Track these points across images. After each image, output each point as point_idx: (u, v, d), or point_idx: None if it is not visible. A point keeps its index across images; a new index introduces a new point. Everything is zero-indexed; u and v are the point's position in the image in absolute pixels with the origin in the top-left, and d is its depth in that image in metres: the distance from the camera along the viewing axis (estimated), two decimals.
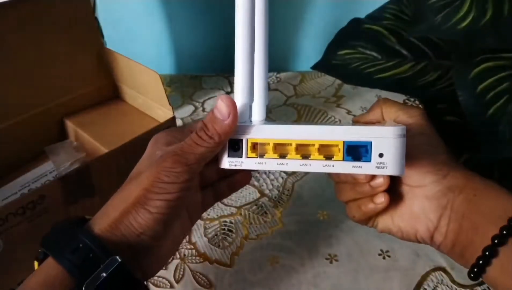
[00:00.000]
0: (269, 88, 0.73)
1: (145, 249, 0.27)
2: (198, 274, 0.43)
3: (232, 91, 0.72)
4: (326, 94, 0.71)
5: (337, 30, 0.64)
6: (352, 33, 0.63)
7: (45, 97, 0.51)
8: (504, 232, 0.27)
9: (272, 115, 0.66)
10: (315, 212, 0.49)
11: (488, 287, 0.40)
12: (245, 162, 0.27)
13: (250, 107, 0.28)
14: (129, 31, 0.79)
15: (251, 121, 0.29)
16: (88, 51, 0.53)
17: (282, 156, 0.26)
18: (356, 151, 0.25)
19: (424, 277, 0.41)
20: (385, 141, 0.25)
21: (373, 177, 0.29)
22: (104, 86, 0.56)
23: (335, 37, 0.64)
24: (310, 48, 0.81)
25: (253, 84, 0.28)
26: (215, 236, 0.47)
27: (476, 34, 0.48)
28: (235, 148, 0.27)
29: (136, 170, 0.29)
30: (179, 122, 0.64)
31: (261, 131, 0.26)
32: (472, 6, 0.48)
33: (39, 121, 0.51)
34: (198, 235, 0.47)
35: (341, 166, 0.25)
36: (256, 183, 0.53)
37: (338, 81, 0.74)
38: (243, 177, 0.34)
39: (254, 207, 0.50)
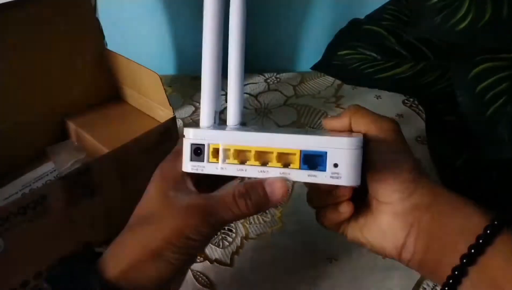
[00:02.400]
0: (269, 88, 0.73)
1: None
2: (199, 273, 0.43)
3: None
4: (326, 94, 0.71)
5: (337, 30, 0.64)
6: (351, 34, 0.63)
7: (46, 98, 0.51)
8: (472, 251, 0.26)
9: (272, 115, 0.66)
10: (315, 212, 0.49)
11: None
12: (206, 166, 0.27)
13: (216, 112, 0.29)
14: (130, 32, 0.79)
15: (217, 126, 0.29)
16: (89, 52, 0.53)
17: (242, 162, 0.27)
18: (312, 160, 0.26)
19: (423, 277, 0.42)
20: (340, 152, 0.25)
21: (337, 186, 0.29)
22: (105, 87, 0.56)
23: (335, 37, 0.64)
24: (309, 48, 0.81)
25: (219, 90, 0.29)
26: (215, 236, 0.47)
27: (475, 34, 0.48)
28: (197, 152, 0.27)
29: (148, 209, 0.28)
30: (179, 123, 0.64)
31: (223, 137, 0.27)
32: (471, 7, 0.49)
33: (40, 121, 0.51)
34: None
35: (297, 174, 0.26)
36: None
37: (337, 82, 0.74)
38: None
39: None
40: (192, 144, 0.27)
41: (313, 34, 0.80)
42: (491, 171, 0.49)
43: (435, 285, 0.41)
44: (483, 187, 0.50)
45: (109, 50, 0.54)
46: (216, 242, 0.46)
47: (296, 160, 0.26)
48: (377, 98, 0.69)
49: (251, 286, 0.41)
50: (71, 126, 0.52)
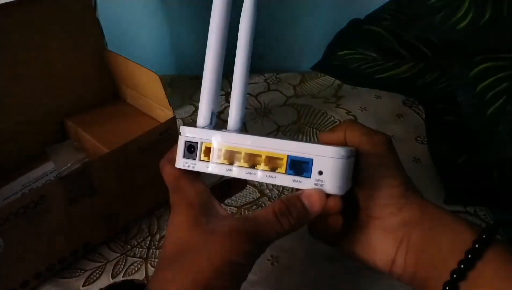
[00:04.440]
0: (269, 88, 0.73)
1: None
2: None
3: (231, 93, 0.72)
4: (326, 94, 0.71)
5: (337, 30, 0.64)
6: (351, 34, 0.63)
7: (46, 98, 0.51)
8: (462, 266, 0.26)
9: (272, 115, 0.66)
10: None
11: None
12: (197, 164, 0.28)
13: (213, 113, 0.29)
14: (130, 32, 0.79)
15: (212, 126, 0.30)
16: (89, 52, 0.53)
17: (232, 163, 0.27)
18: (298, 166, 0.26)
19: None
20: (326, 160, 0.26)
21: (328, 197, 0.29)
22: (105, 87, 0.56)
23: (335, 37, 0.64)
24: (310, 48, 0.81)
25: (218, 91, 0.29)
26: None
27: (475, 34, 0.48)
28: (190, 150, 0.28)
29: (183, 240, 0.26)
30: (179, 123, 0.64)
31: (216, 137, 0.28)
32: (471, 6, 0.49)
33: (40, 121, 0.51)
34: None
35: (283, 179, 0.26)
36: (256, 183, 0.53)
37: (337, 82, 0.74)
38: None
39: (254, 207, 0.50)
40: (186, 142, 0.28)
41: (313, 34, 0.80)
42: (491, 170, 0.49)
43: None
44: (483, 187, 0.50)
45: (109, 50, 0.54)
46: None
47: (283, 164, 0.26)
48: (377, 98, 0.69)
49: (251, 286, 0.41)
50: (71, 126, 0.52)
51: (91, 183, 0.41)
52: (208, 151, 0.28)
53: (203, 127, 0.29)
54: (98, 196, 0.42)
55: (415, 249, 0.29)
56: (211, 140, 0.28)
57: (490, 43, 0.48)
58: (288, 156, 0.26)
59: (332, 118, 0.65)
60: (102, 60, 0.54)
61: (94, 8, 0.55)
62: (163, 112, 0.49)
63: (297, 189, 0.27)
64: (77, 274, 0.43)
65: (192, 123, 0.64)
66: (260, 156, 0.27)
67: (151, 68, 0.46)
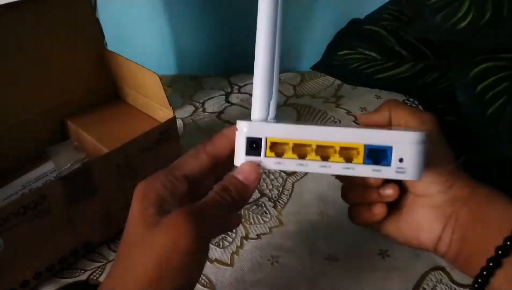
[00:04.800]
0: None
1: None
2: None
3: (232, 92, 0.72)
4: (326, 94, 0.71)
5: (337, 30, 0.64)
6: (351, 34, 0.63)
7: (46, 98, 0.51)
8: (508, 243, 0.27)
9: None
10: (315, 212, 0.49)
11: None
12: (264, 161, 0.26)
13: (269, 104, 0.27)
14: (130, 32, 0.79)
15: (271, 119, 0.28)
16: (89, 52, 0.53)
17: (301, 156, 0.26)
18: (377, 155, 0.25)
19: (423, 277, 0.42)
20: (406, 147, 0.25)
21: (383, 184, 0.30)
22: (105, 87, 0.56)
23: (335, 37, 0.64)
24: (309, 48, 0.81)
25: (273, 81, 0.27)
26: (215, 239, 0.47)
27: (475, 34, 0.48)
28: (253, 146, 0.26)
29: (133, 234, 0.25)
30: (179, 122, 0.64)
31: (281, 130, 0.26)
32: (471, 6, 0.49)
33: (40, 121, 0.51)
34: None
35: (362, 169, 0.25)
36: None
37: (337, 82, 0.74)
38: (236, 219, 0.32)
39: (254, 206, 0.50)
40: (248, 138, 0.26)
41: (313, 34, 0.80)
42: (491, 170, 0.49)
43: (435, 285, 0.41)
44: None
45: (109, 50, 0.54)
46: (216, 242, 0.46)
47: (360, 154, 0.25)
48: (377, 98, 0.69)
49: (251, 286, 0.41)
50: (71, 126, 0.52)
51: (91, 183, 0.41)
52: (272, 146, 0.26)
53: (262, 120, 0.27)
54: (98, 196, 0.42)
55: (462, 226, 0.29)
56: (276, 134, 0.26)
57: (490, 43, 0.48)
58: (365, 145, 0.25)
59: (332, 118, 0.65)
60: (102, 60, 0.54)
61: (94, 8, 0.55)
62: (163, 112, 0.49)
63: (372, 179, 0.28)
64: (77, 274, 0.43)
65: (192, 123, 0.64)
66: (332, 147, 0.25)
67: (151, 68, 0.46)
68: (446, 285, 0.41)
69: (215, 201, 0.25)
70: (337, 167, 0.26)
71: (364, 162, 0.25)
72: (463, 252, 0.29)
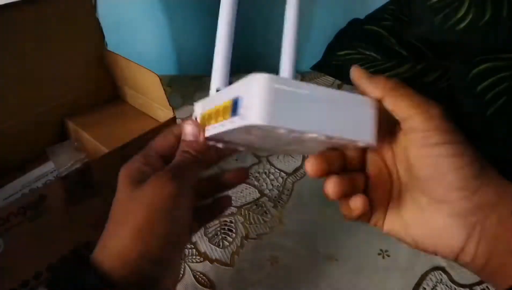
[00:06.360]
0: None
1: (154, 281, 0.27)
2: (198, 273, 0.43)
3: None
4: None
5: (337, 30, 0.64)
6: (351, 34, 0.63)
7: (46, 98, 0.51)
8: None
9: None
10: (315, 212, 0.49)
11: (487, 287, 0.40)
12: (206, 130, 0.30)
13: (222, 76, 0.31)
14: (130, 32, 0.79)
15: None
16: (89, 52, 0.53)
17: (210, 122, 0.29)
18: (235, 107, 0.24)
19: (423, 277, 0.42)
20: (249, 91, 0.23)
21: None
22: (105, 87, 0.56)
23: (335, 37, 0.64)
24: (309, 48, 0.81)
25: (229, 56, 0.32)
26: (215, 236, 0.47)
27: (475, 34, 0.48)
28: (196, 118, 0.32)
29: (120, 204, 0.28)
30: (179, 122, 0.64)
31: (204, 103, 0.31)
32: (471, 7, 0.49)
33: (40, 121, 0.51)
34: (199, 234, 0.47)
35: (227, 123, 0.25)
36: (256, 183, 0.53)
37: (338, 82, 0.74)
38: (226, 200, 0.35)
39: (254, 206, 0.50)
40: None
41: (313, 34, 0.80)
42: None
43: (435, 285, 0.41)
44: None
45: (109, 50, 0.54)
46: (216, 242, 0.46)
47: (228, 111, 0.25)
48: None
49: (251, 286, 0.41)
50: (71, 126, 0.52)
51: (91, 183, 0.41)
52: (202, 118, 0.31)
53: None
54: (98, 196, 0.42)
55: (490, 236, 0.25)
56: (204, 107, 0.31)
57: (490, 43, 0.48)
58: (232, 100, 0.25)
59: None
60: (102, 60, 0.54)
61: (94, 8, 0.55)
62: (163, 112, 0.49)
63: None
64: None
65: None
66: (219, 109, 0.27)
67: (151, 68, 0.46)
68: (446, 285, 0.41)
69: (180, 158, 0.29)
70: (226, 124, 0.25)
71: (229, 117, 0.25)
72: (491, 265, 0.26)
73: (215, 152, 0.33)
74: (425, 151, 0.25)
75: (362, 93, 0.26)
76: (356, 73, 0.27)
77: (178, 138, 0.31)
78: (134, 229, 0.26)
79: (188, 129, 0.31)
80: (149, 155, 0.30)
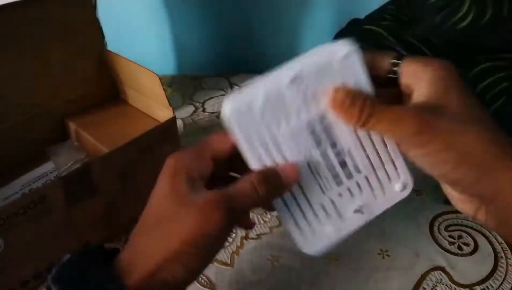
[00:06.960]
0: None
1: None
2: None
3: (232, 92, 0.72)
4: None
5: (337, 30, 0.64)
6: (351, 34, 0.63)
7: (46, 98, 0.51)
8: None
9: None
10: None
11: (487, 287, 0.40)
12: None
13: None
14: (130, 32, 0.79)
15: None
16: (89, 53, 0.53)
17: None
18: None
19: (423, 277, 0.41)
20: None
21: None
22: (105, 87, 0.56)
23: (334, 37, 0.64)
24: (309, 48, 0.81)
25: None
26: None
27: (475, 34, 0.48)
28: None
29: (162, 208, 0.26)
30: (179, 122, 0.64)
31: None
32: (471, 6, 0.49)
33: (40, 121, 0.51)
34: None
35: None
36: None
37: None
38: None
39: None
40: None
41: (313, 34, 0.80)
42: None
43: (435, 285, 0.41)
44: None
45: (109, 50, 0.54)
46: None
47: None
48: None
49: (251, 286, 0.41)
50: (71, 126, 0.52)
51: (92, 183, 0.41)
52: None
53: None
54: (98, 196, 0.42)
55: (498, 216, 0.25)
56: None
57: (490, 43, 0.48)
58: None
59: None
60: (102, 60, 0.54)
61: (94, 8, 0.55)
62: (163, 112, 0.49)
63: None
64: None
65: (192, 124, 0.64)
66: None
67: (151, 68, 0.46)
68: (446, 285, 0.41)
69: (248, 193, 0.25)
70: None
71: None
72: (503, 228, 0.25)
73: None
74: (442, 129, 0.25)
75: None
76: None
77: None
78: (165, 254, 0.24)
79: (291, 171, 0.26)
80: (202, 156, 0.27)
